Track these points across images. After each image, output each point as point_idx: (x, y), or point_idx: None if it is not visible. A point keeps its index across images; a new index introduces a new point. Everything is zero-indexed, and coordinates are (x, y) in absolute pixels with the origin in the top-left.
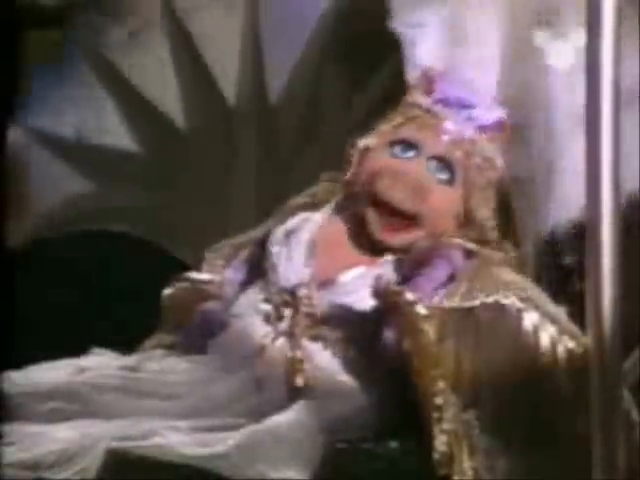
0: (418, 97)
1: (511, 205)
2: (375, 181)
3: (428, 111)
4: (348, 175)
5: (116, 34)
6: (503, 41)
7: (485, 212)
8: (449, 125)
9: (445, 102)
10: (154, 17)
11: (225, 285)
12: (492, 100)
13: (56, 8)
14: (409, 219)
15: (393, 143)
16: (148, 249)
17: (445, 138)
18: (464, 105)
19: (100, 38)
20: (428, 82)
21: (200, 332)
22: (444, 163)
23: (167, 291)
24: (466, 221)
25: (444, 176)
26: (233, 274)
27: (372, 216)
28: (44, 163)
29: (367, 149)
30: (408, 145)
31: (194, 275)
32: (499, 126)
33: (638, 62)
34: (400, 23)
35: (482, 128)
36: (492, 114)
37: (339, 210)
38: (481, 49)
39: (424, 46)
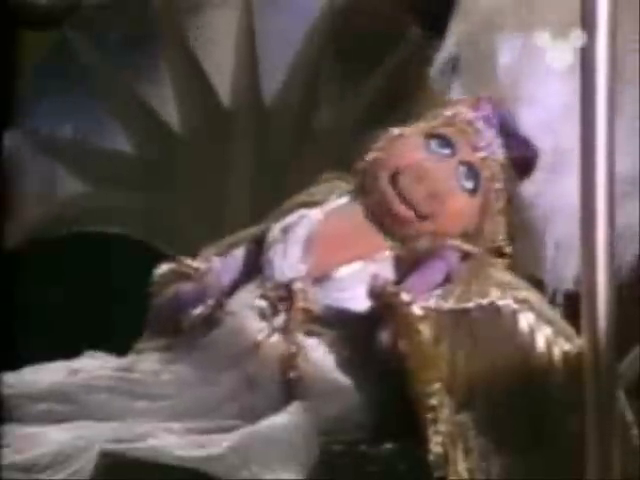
0: (462, 109)
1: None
2: (399, 174)
3: (470, 123)
4: (367, 159)
5: (114, 35)
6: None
7: (493, 229)
8: (485, 143)
9: (488, 121)
10: (151, 18)
11: (209, 273)
12: (531, 137)
13: (54, 8)
14: (422, 217)
15: (430, 136)
16: (145, 250)
17: (480, 154)
18: (504, 131)
19: (98, 39)
20: (475, 100)
21: (168, 308)
22: (473, 173)
23: (159, 270)
24: (474, 231)
25: (470, 185)
26: (221, 265)
27: (391, 194)
28: (42, 164)
29: (400, 136)
30: (445, 142)
31: (183, 259)
32: (530, 164)
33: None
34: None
35: (512, 159)
36: (526, 150)
37: (352, 199)
38: None
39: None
